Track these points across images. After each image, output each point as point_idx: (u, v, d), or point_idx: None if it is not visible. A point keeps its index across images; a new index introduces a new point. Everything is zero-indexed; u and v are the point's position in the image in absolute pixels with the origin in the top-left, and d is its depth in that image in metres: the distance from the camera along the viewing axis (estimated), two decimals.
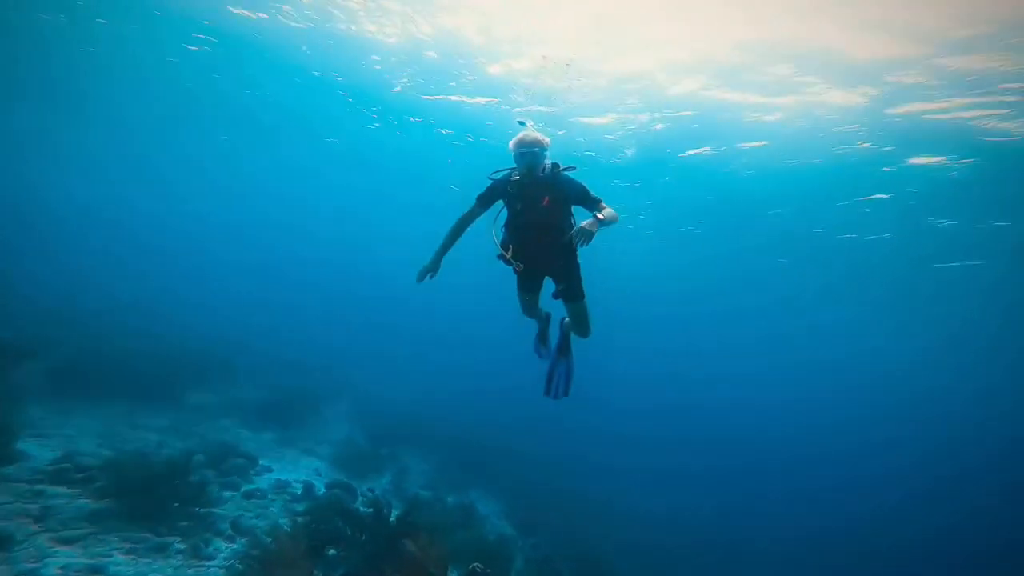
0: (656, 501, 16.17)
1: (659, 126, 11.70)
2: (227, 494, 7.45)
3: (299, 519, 6.17)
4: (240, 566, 5.35)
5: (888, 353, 24.18)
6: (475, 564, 6.69)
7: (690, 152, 12.60)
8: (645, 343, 28.30)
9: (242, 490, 7.85)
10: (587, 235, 3.68)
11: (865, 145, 10.72)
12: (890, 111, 9.50)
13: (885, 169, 11.42)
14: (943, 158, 10.59)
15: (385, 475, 11.10)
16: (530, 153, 3.89)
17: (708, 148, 12.33)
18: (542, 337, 5.15)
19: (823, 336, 24.36)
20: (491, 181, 4.15)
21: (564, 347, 4.97)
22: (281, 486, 8.46)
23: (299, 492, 8.38)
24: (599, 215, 3.80)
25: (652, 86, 10.30)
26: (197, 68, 13.56)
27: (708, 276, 20.87)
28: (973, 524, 19.57)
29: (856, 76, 8.93)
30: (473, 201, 4.24)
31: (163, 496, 6.06)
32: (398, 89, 12.52)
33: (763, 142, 11.50)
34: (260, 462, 9.24)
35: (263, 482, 8.49)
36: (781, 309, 22.39)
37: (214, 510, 6.59)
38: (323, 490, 8.71)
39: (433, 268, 4.35)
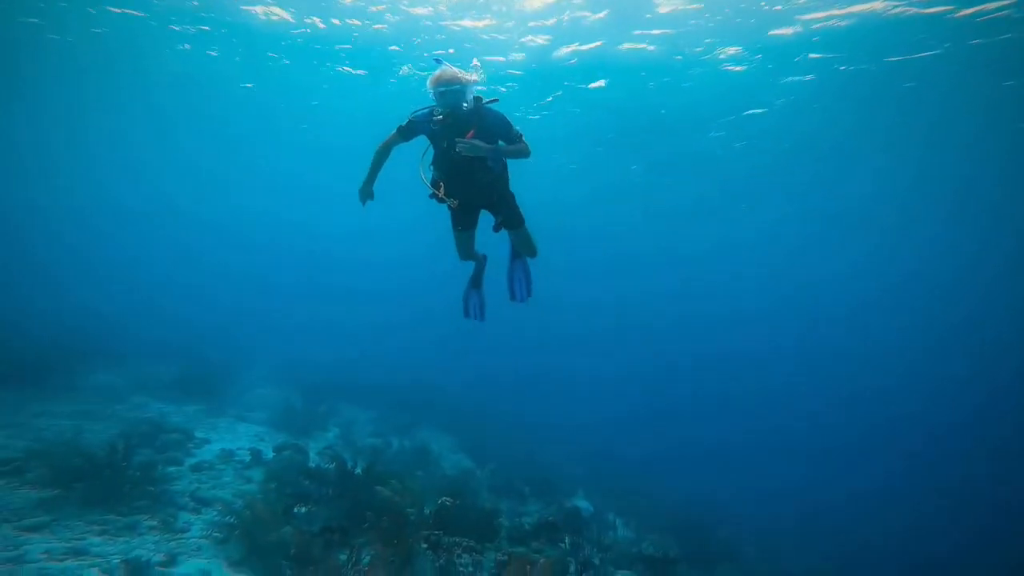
0: (593, 410, 17.98)
1: (574, 61, 12.20)
2: (172, 469, 7.46)
3: (270, 484, 6.42)
4: (219, 534, 5.60)
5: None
6: (444, 498, 7.43)
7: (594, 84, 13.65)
8: (575, 268, 29.71)
9: (187, 464, 7.88)
10: (471, 145, 3.86)
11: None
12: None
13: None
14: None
15: (330, 430, 11.41)
16: (450, 91, 3.88)
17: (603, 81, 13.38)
18: (476, 281, 5.30)
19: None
20: (410, 118, 4.21)
21: (517, 252, 5.22)
22: (227, 455, 8.54)
23: (248, 459, 8.52)
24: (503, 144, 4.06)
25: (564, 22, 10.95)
26: None
27: (622, 197, 22.22)
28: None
29: None
30: (393, 130, 4.29)
31: (111, 479, 6.02)
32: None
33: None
34: (196, 434, 9.18)
35: (206, 454, 8.52)
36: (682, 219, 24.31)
37: (167, 487, 6.65)
38: (272, 454, 8.88)
39: (367, 194, 4.56)
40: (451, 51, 12.25)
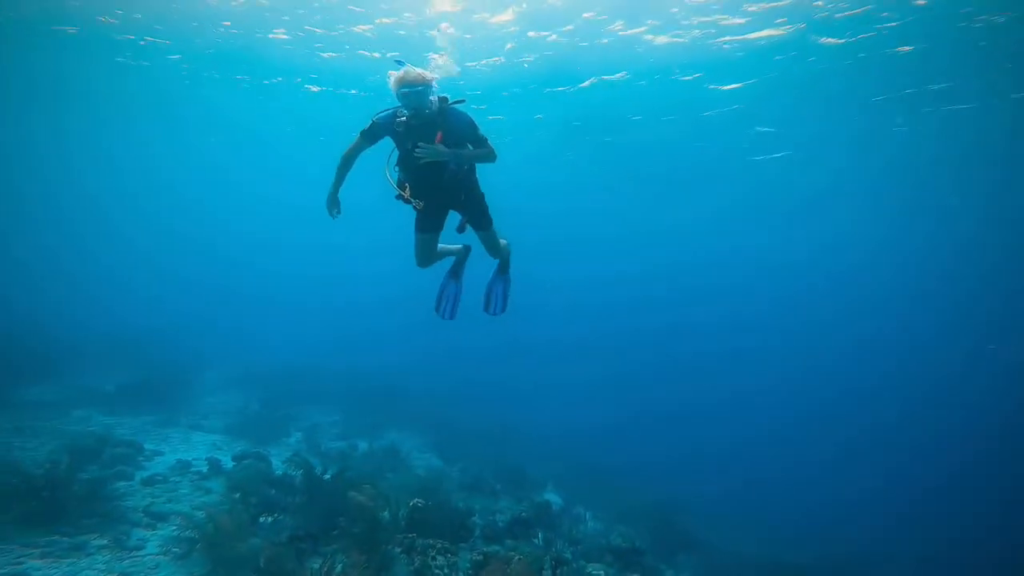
0: (558, 403, 17.89)
1: (536, 65, 12.22)
2: (122, 485, 6.83)
3: (234, 494, 5.95)
4: (179, 550, 5.13)
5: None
6: (416, 500, 7.15)
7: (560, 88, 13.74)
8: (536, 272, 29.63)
9: (137, 478, 7.25)
10: (431, 150, 3.73)
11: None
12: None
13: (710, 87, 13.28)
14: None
15: (293, 435, 10.84)
16: (414, 93, 3.69)
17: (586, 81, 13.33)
18: (456, 271, 5.14)
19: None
20: (373, 120, 4.02)
21: (503, 267, 5.17)
22: (182, 466, 7.94)
23: (205, 470, 7.95)
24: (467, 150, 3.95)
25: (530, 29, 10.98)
26: None
27: (588, 198, 22.43)
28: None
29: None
30: (356, 135, 4.12)
31: (52, 498, 5.41)
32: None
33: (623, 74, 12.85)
34: (146, 446, 8.48)
35: (158, 466, 7.89)
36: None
37: (117, 503, 6.07)
38: (232, 463, 8.31)
39: (334, 205, 4.29)
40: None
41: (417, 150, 3.74)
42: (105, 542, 5.08)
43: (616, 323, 34.10)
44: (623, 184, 20.54)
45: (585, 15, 10.36)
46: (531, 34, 11.20)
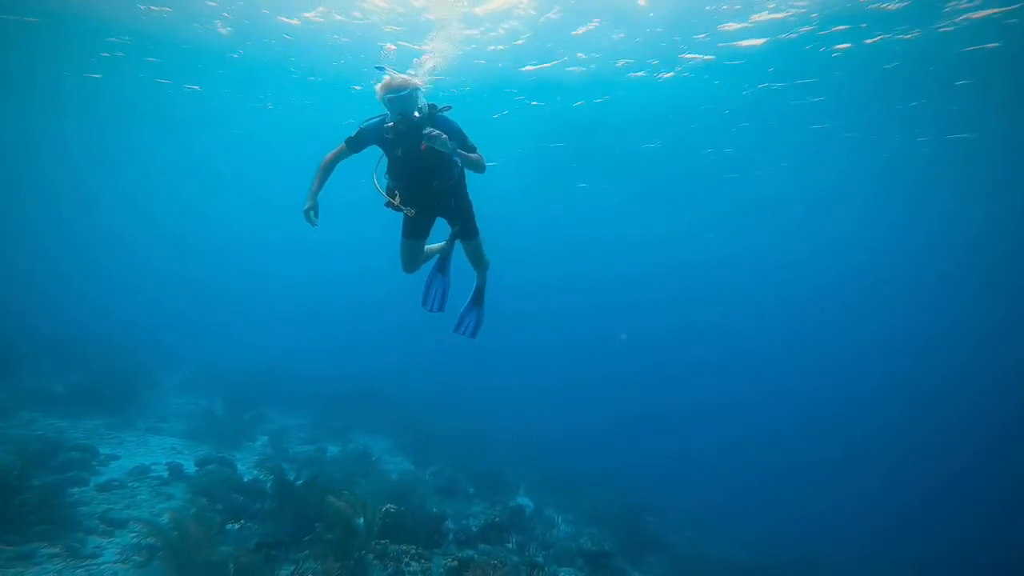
0: (528, 406, 17.72)
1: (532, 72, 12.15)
2: (75, 491, 6.31)
3: (200, 500, 5.58)
4: (139, 557, 4.75)
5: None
6: (389, 506, 6.92)
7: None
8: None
9: (92, 484, 6.72)
10: (437, 137, 3.57)
11: None
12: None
13: None
14: None
15: (258, 439, 10.33)
16: (399, 98, 3.63)
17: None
18: (442, 265, 4.94)
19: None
20: (360, 128, 3.92)
21: (478, 296, 4.99)
22: (140, 471, 7.43)
23: (165, 475, 7.46)
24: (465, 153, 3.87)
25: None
26: None
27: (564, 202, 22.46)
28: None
29: None
30: (341, 142, 3.98)
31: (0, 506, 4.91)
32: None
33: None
34: (101, 451, 7.90)
35: (114, 472, 7.36)
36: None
37: (70, 510, 5.59)
38: (194, 468, 7.83)
39: (312, 210, 4.05)
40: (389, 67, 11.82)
41: (425, 137, 3.57)
42: (56, 550, 4.65)
43: (593, 329, 34.16)
44: (600, 192, 20.70)
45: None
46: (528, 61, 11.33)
